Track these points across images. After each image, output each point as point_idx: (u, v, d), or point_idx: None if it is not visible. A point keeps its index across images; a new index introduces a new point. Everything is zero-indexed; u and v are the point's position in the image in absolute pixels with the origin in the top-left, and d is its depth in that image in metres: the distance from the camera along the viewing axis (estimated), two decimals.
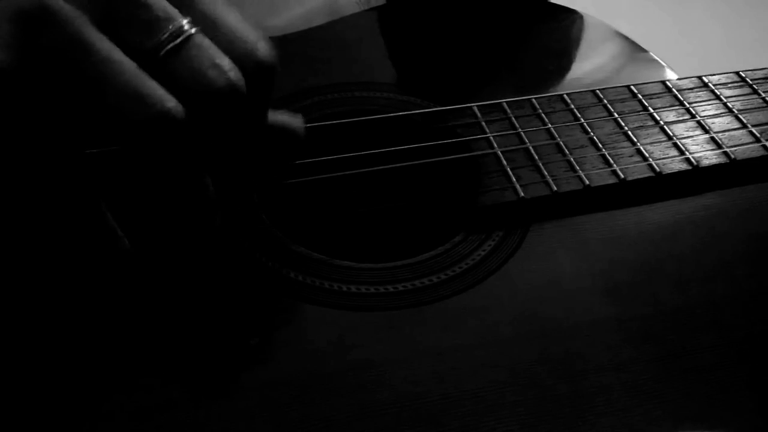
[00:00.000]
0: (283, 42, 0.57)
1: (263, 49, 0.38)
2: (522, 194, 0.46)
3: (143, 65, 0.35)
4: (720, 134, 0.51)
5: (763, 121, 0.52)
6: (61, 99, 0.34)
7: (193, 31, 0.36)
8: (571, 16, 0.64)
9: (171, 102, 0.35)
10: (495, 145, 0.49)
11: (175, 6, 0.36)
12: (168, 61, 0.35)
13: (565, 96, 0.53)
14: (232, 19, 0.38)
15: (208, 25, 0.37)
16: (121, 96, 0.34)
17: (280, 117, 0.42)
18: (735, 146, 0.50)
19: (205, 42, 0.36)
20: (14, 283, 0.39)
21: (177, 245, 0.41)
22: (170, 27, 0.35)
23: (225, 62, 0.36)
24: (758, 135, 0.51)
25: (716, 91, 0.54)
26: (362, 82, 0.55)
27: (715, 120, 0.52)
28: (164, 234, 0.39)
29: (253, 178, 0.44)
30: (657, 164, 0.48)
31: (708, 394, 0.38)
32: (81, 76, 0.34)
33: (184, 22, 0.36)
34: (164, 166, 0.36)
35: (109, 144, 0.36)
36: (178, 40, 0.36)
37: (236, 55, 0.37)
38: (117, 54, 0.34)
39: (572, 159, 0.48)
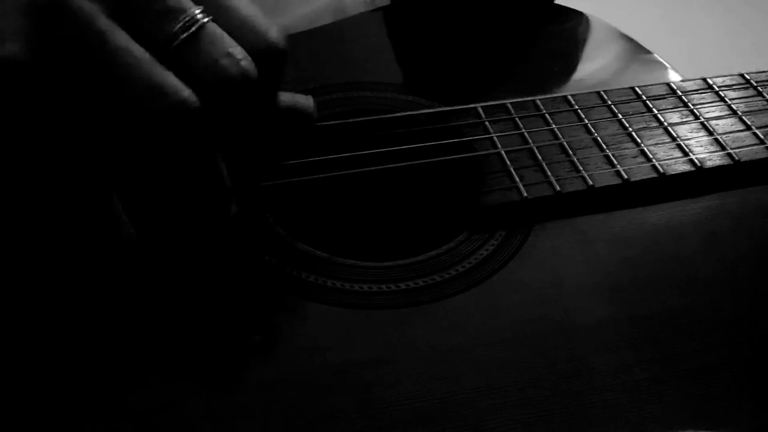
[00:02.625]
0: (288, 41, 0.57)
1: (274, 33, 0.38)
2: (525, 194, 0.46)
3: (157, 56, 0.35)
4: (724, 136, 0.50)
5: None
6: (77, 92, 0.34)
7: (205, 20, 0.36)
8: (577, 18, 0.64)
9: (186, 92, 0.35)
10: (499, 145, 0.49)
11: None
12: (181, 51, 0.36)
13: (569, 97, 0.53)
14: (243, 5, 0.38)
15: (219, 11, 0.37)
16: (137, 87, 0.34)
17: (290, 97, 0.42)
18: (739, 148, 0.50)
19: (218, 31, 0.36)
20: (14, 273, 0.39)
21: (191, 234, 0.41)
22: (183, 17, 0.36)
23: (237, 51, 0.36)
24: (762, 137, 0.50)
25: (720, 92, 0.54)
26: (367, 82, 0.55)
27: (719, 122, 0.52)
28: (179, 223, 0.39)
29: (263, 160, 0.45)
30: (661, 165, 0.48)
31: (709, 395, 0.38)
32: (96, 68, 0.34)
33: (197, 11, 0.36)
34: (181, 155, 0.36)
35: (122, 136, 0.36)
36: (191, 31, 0.36)
37: (247, 40, 0.37)
38: (131, 45, 0.34)
39: (576, 159, 0.48)
